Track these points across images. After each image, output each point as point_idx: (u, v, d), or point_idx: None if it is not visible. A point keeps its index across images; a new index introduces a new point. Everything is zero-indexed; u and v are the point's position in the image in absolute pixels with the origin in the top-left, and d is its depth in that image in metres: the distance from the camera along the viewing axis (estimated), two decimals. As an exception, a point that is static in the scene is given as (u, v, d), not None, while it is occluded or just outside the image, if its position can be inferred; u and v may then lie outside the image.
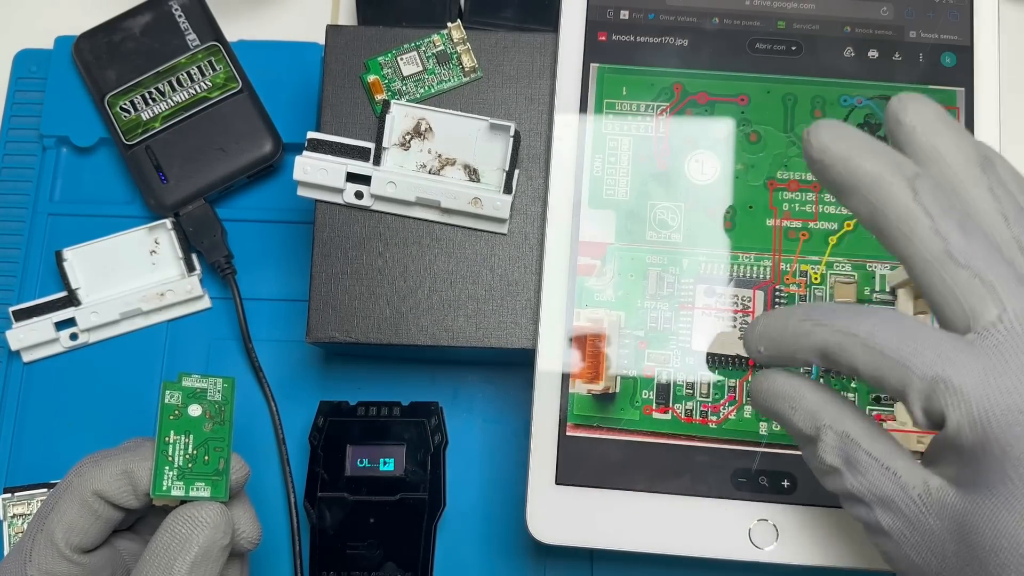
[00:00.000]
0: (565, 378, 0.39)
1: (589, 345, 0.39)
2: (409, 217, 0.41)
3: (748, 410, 0.39)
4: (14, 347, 0.44)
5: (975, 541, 0.25)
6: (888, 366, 0.26)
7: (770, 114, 0.41)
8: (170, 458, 0.33)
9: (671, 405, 0.39)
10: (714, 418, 0.39)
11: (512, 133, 0.40)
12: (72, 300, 0.45)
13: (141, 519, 0.36)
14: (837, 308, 0.28)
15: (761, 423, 0.38)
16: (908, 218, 0.27)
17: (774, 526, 0.37)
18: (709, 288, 0.40)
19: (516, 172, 0.41)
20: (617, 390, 0.39)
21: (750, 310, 0.39)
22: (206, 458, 0.33)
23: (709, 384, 0.39)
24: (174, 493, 0.33)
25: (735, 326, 0.39)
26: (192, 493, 0.33)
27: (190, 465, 0.33)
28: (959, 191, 0.28)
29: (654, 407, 0.39)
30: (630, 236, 0.40)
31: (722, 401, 0.39)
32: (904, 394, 0.26)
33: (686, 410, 0.39)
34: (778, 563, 0.37)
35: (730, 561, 0.37)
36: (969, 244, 0.26)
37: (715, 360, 0.39)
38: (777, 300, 0.39)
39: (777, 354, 0.29)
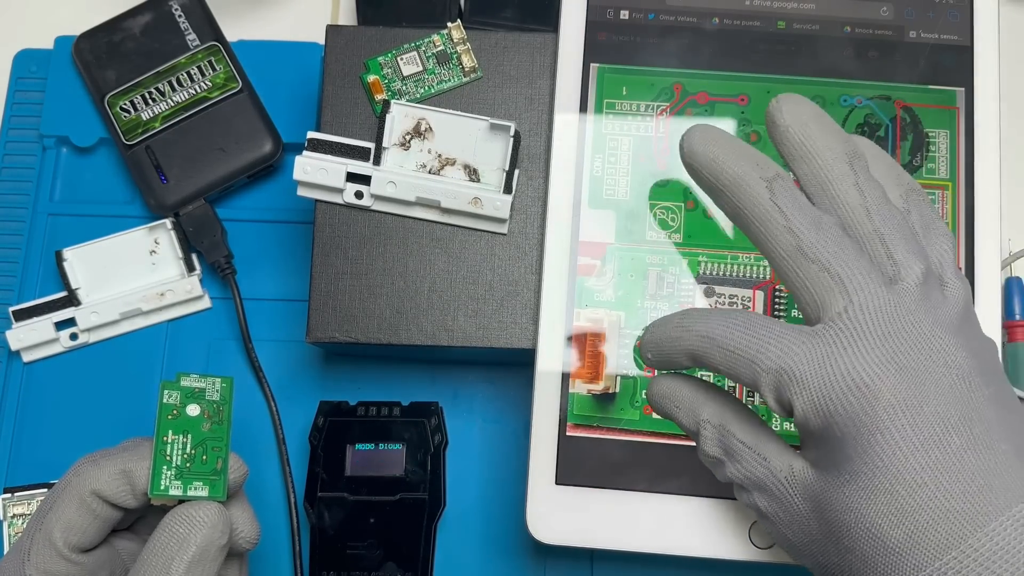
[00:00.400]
0: (565, 378, 0.39)
1: (589, 345, 0.39)
2: (409, 217, 0.41)
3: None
4: (14, 347, 0.44)
5: (830, 519, 0.27)
6: (740, 364, 0.28)
7: (770, 114, 0.41)
8: (168, 458, 0.33)
9: (671, 405, 0.39)
10: (714, 418, 0.39)
11: (512, 133, 0.40)
12: (72, 300, 0.45)
13: (140, 519, 0.36)
14: (703, 314, 0.30)
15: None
16: (764, 217, 0.29)
17: (774, 526, 0.37)
18: (709, 288, 0.40)
19: (516, 172, 0.41)
20: (617, 390, 0.39)
21: (750, 310, 0.39)
22: (204, 458, 0.33)
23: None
24: (172, 493, 0.33)
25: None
26: (190, 493, 0.33)
27: (188, 465, 0.33)
28: (827, 188, 0.29)
29: (654, 407, 0.39)
30: (630, 236, 0.40)
31: (722, 401, 0.39)
32: (757, 387, 0.28)
33: (686, 410, 0.39)
34: (778, 563, 0.37)
35: (730, 561, 0.37)
36: (820, 239, 0.28)
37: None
38: (777, 300, 0.39)
39: (661, 360, 0.31)
